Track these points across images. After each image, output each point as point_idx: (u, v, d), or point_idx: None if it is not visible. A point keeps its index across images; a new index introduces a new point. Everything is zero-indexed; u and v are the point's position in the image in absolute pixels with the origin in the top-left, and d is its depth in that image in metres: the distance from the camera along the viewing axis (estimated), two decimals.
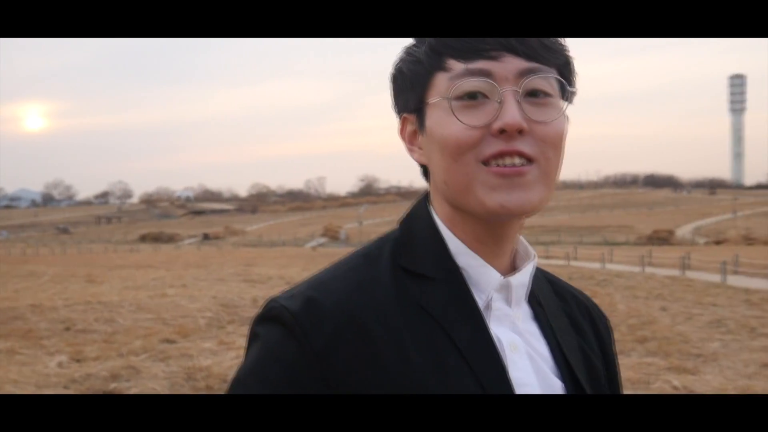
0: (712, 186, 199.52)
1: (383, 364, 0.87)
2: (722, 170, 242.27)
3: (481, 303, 0.95)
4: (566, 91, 0.94)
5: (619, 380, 1.08)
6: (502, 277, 0.96)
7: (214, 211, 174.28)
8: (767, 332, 11.51)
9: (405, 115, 1.00)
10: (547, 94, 0.92)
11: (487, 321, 0.94)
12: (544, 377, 0.95)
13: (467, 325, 0.92)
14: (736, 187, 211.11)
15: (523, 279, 0.98)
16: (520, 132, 0.89)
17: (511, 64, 0.90)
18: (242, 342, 10.12)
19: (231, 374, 7.29)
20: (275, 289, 19.29)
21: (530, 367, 0.95)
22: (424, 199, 1.02)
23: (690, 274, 25.90)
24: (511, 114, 0.88)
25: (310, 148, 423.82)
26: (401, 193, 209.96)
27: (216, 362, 8.76)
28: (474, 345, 0.91)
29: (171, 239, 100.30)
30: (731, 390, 7.53)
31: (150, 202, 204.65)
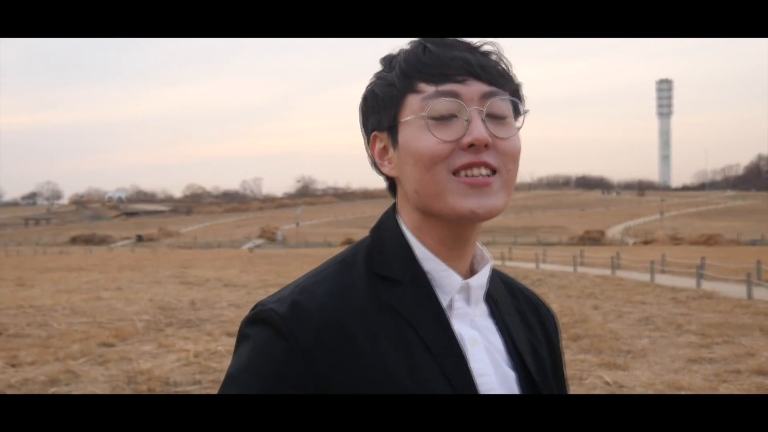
0: (641, 188, 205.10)
1: (362, 359, 0.99)
2: (650, 172, 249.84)
3: (444, 303, 1.08)
4: (519, 112, 1.09)
5: (564, 371, 1.22)
6: (463, 280, 1.09)
7: (147, 213, 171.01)
8: (693, 329, 11.99)
9: (376, 133, 1.12)
10: (505, 115, 1.06)
11: (450, 319, 1.07)
12: (499, 368, 1.09)
13: (433, 323, 1.05)
14: (664, 188, 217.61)
15: (480, 281, 1.12)
16: (486, 146, 1.02)
17: (475, 87, 1.04)
18: (183, 344, 10.08)
19: (173, 377, 7.24)
20: (213, 291, 19.15)
21: (488, 359, 1.08)
22: (392, 210, 1.14)
23: (620, 273, 26.66)
24: (479, 130, 1.02)
25: (246, 149, 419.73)
26: (338, 195, 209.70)
27: (157, 365, 8.71)
28: (439, 340, 1.04)
29: (103, 241, 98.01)
30: (659, 384, 7.87)
31: (80, 203, 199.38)
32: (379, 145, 1.12)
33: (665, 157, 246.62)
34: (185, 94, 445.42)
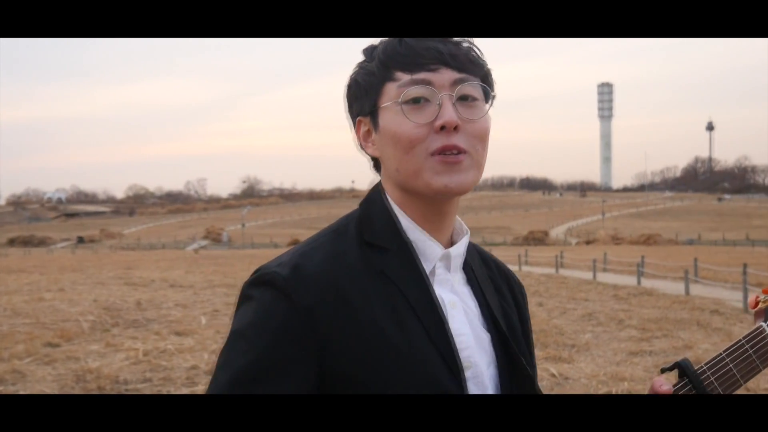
0: (583, 189, 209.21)
1: (356, 317, 1.10)
2: (592, 174, 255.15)
3: (427, 269, 1.19)
4: (488, 96, 1.20)
5: (532, 337, 1.34)
6: (443, 249, 1.21)
7: (88, 214, 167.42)
8: (634, 324, 12.37)
9: (360, 117, 1.23)
10: (474, 98, 1.17)
11: (432, 284, 1.18)
12: (476, 329, 1.21)
13: (417, 287, 1.16)
14: (605, 189, 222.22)
15: (459, 250, 1.23)
16: (455, 128, 1.13)
17: (446, 75, 1.15)
18: (131, 343, 9.99)
19: (123, 375, 7.19)
20: (159, 291, 18.91)
21: (465, 320, 1.20)
22: (378, 186, 1.25)
23: (563, 272, 27.21)
24: (449, 114, 1.13)
25: (190, 149, 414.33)
26: (284, 195, 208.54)
27: (105, 364, 8.62)
28: (422, 303, 1.15)
29: (42, 243, 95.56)
30: (602, 376, 8.12)
31: (18, 203, 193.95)
32: (363, 129, 1.23)
33: (606, 159, 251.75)
34: (127, 93, 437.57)
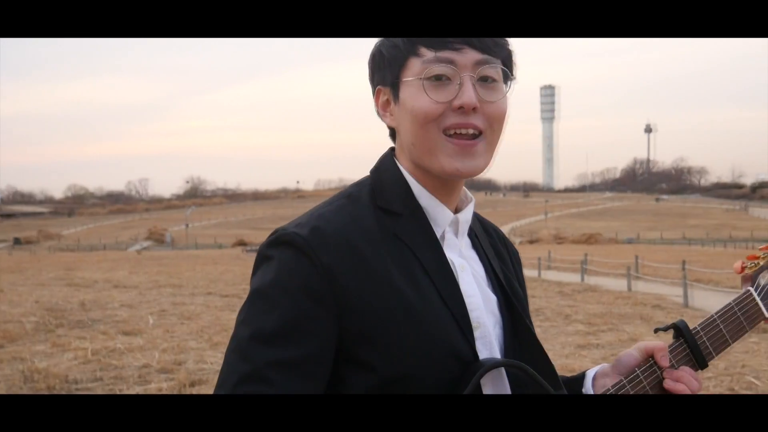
0: (526, 189, 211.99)
1: (373, 276, 1.14)
2: (535, 175, 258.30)
3: (438, 234, 1.24)
4: (508, 78, 1.24)
5: (527, 298, 1.40)
6: (453, 214, 1.26)
7: (25, 214, 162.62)
8: (580, 319, 12.66)
9: (380, 87, 1.26)
10: (494, 80, 1.21)
11: (443, 247, 1.23)
12: (484, 291, 1.26)
13: (429, 250, 1.21)
14: (548, 190, 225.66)
15: (467, 216, 1.29)
16: (474, 109, 1.18)
17: (469, 55, 1.19)
18: (79, 343, 9.82)
19: (72, 375, 7.07)
20: (103, 292, 18.54)
21: (474, 282, 1.25)
22: (390, 154, 1.30)
23: None
24: (469, 95, 1.17)
25: (132, 149, 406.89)
26: (228, 196, 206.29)
27: (53, 363, 8.45)
28: (435, 264, 1.20)
29: None
30: None
31: None
32: (382, 98, 1.27)
33: (549, 160, 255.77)
34: (66, 92, 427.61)
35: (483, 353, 1.20)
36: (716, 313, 1.29)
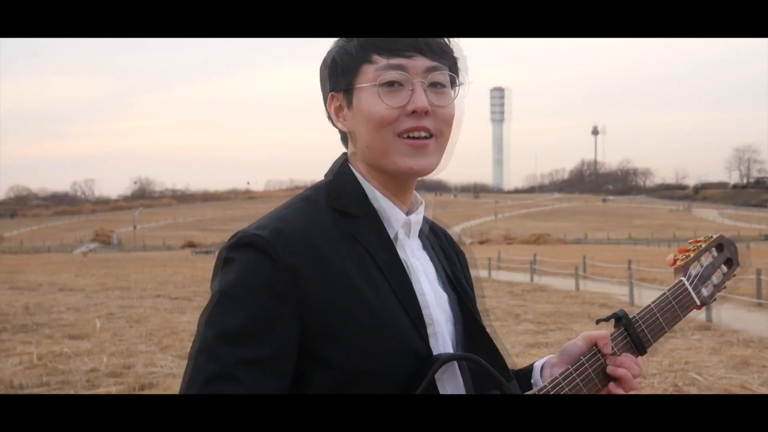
0: (477, 190, 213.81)
1: (334, 276, 1.18)
2: (485, 176, 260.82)
3: (391, 235, 1.29)
4: (456, 84, 1.30)
5: (476, 297, 1.44)
6: (405, 216, 1.31)
7: None
8: (530, 318, 12.87)
9: (333, 93, 1.30)
10: (443, 86, 1.27)
11: (396, 248, 1.28)
12: (435, 289, 1.32)
13: (384, 251, 1.26)
14: (497, 191, 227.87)
15: (418, 218, 1.34)
16: (426, 113, 1.24)
17: (420, 62, 1.24)
18: (23, 348, 9.61)
19: (17, 379, 6.91)
20: (48, 295, 18.15)
21: (426, 281, 1.30)
22: (344, 158, 1.34)
23: None
24: (421, 100, 1.23)
25: (77, 149, 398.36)
26: (177, 197, 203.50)
27: None
28: (389, 264, 1.25)
29: None
30: None
31: None
32: (335, 104, 1.31)
33: (498, 162, 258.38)
34: (7, 91, 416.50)
35: (437, 348, 1.25)
36: (653, 303, 1.38)
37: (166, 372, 8.22)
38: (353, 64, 1.26)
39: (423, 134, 1.24)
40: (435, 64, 1.25)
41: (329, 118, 1.33)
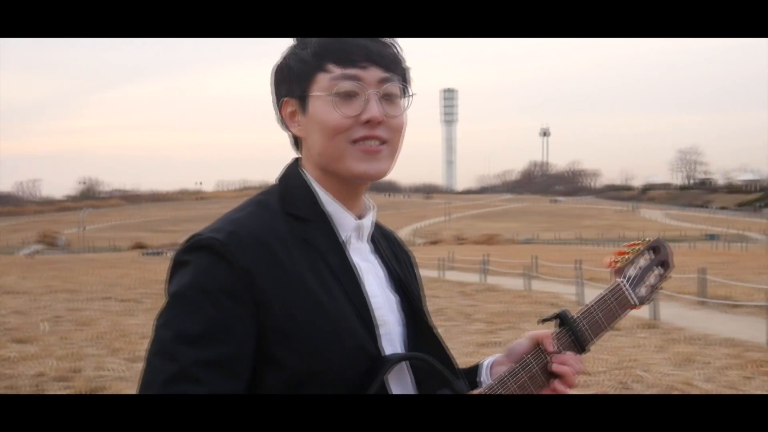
0: (428, 191, 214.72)
1: (288, 277, 1.21)
2: (436, 177, 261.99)
3: (343, 238, 1.32)
4: (406, 93, 1.34)
5: (424, 298, 1.48)
6: (356, 220, 1.34)
7: None
8: (481, 318, 13.02)
9: (287, 99, 1.32)
10: (396, 96, 1.31)
11: (348, 251, 1.32)
12: (385, 291, 1.35)
13: (336, 254, 1.29)
14: (449, 192, 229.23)
15: (368, 222, 1.38)
16: (379, 123, 1.27)
17: (374, 73, 1.27)
18: None
19: None
20: None
21: (376, 283, 1.34)
22: (295, 163, 1.37)
23: None
24: (375, 110, 1.27)
25: (22, 148, 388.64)
26: (126, 197, 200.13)
27: None
28: (341, 267, 1.28)
29: None
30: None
31: None
32: (288, 109, 1.33)
33: (450, 163, 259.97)
34: None
35: (387, 349, 1.28)
36: (592, 303, 1.44)
37: (116, 375, 8.11)
38: (308, 72, 1.28)
39: (376, 142, 1.28)
40: (388, 75, 1.29)
41: (281, 122, 1.35)
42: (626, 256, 1.50)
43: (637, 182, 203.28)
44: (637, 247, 1.52)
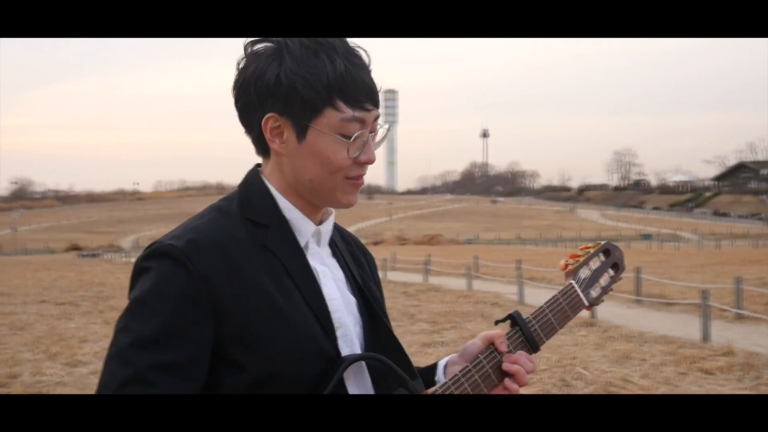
0: (370, 192, 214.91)
1: (246, 282, 1.24)
2: (378, 177, 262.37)
3: (302, 243, 1.35)
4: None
5: (383, 299, 1.52)
6: (315, 226, 1.38)
7: None
8: (424, 318, 13.10)
9: (275, 115, 1.30)
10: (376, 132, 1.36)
11: (307, 256, 1.35)
12: (344, 294, 1.39)
13: (294, 259, 1.32)
14: (391, 192, 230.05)
15: (328, 227, 1.41)
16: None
17: (373, 113, 1.32)
18: None
19: None
20: None
21: (335, 286, 1.38)
22: (255, 170, 1.39)
23: None
24: (372, 153, 1.33)
25: None
26: (60, 198, 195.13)
27: None
28: (299, 272, 1.31)
29: None
30: None
31: None
32: (273, 124, 1.31)
33: (391, 163, 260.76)
34: None
35: (345, 350, 1.32)
36: (545, 304, 1.49)
37: (55, 381, 7.94)
38: (318, 104, 1.28)
39: (362, 177, 1.35)
40: (378, 112, 1.34)
41: (248, 126, 1.35)
42: (579, 259, 1.55)
43: (575, 183, 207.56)
44: (589, 251, 1.57)
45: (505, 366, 1.40)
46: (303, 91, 1.27)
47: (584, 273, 1.54)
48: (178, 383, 1.17)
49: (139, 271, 1.24)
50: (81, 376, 8.26)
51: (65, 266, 36.46)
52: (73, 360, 9.09)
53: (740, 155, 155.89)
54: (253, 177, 1.38)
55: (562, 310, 1.49)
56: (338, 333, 1.32)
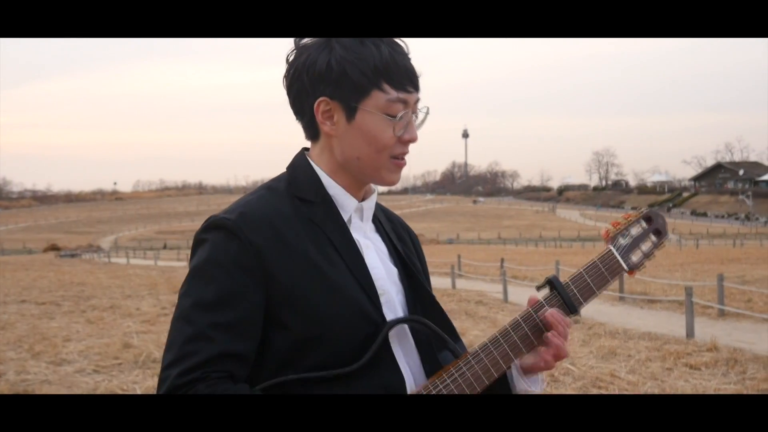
0: None
1: (293, 251, 1.36)
2: None
3: (345, 218, 1.46)
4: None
5: (428, 273, 1.63)
6: (358, 202, 1.47)
7: None
8: None
9: (326, 98, 1.40)
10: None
11: (350, 230, 1.45)
12: (386, 264, 1.49)
13: (338, 232, 1.43)
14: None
15: (370, 204, 1.51)
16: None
17: (414, 96, 1.42)
18: None
19: None
20: None
21: (377, 257, 1.48)
22: (302, 153, 1.50)
23: None
24: (415, 132, 1.43)
25: None
26: (38, 198, 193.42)
27: None
28: (343, 243, 1.42)
29: None
30: None
31: None
32: (324, 107, 1.42)
33: None
34: None
35: (389, 316, 1.43)
36: (583, 268, 1.54)
37: (41, 379, 7.86)
38: (367, 86, 1.39)
39: (404, 157, 1.45)
40: (419, 95, 1.44)
41: (301, 113, 1.45)
42: (620, 227, 1.59)
43: (555, 183, 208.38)
44: (630, 219, 1.61)
45: (541, 314, 1.47)
46: (352, 74, 1.38)
47: (624, 240, 1.58)
48: (234, 341, 1.31)
49: (197, 243, 1.38)
50: (66, 374, 8.19)
51: (44, 266, 36.13)
52: (57, 359, 9.00)
53: (718, 156, 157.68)
54: (300, 159, 1.50)
55: (600, 274, 1.54)
56: (382, 300, 1.42)
